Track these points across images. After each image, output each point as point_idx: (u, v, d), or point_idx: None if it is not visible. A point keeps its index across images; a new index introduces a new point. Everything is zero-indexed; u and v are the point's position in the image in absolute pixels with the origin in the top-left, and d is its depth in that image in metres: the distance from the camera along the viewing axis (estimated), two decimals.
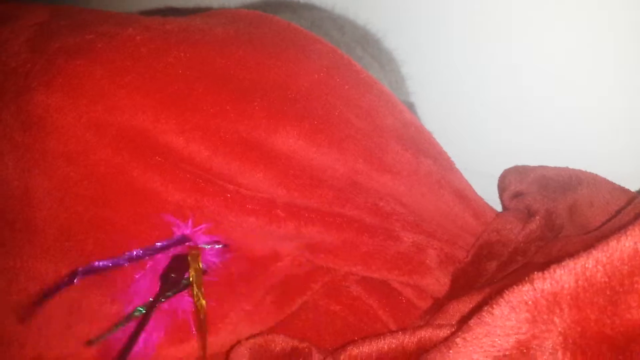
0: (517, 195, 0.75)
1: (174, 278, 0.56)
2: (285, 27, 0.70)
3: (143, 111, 0.58)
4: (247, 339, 0.55)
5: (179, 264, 0.57)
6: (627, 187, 0.71)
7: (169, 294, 0.56)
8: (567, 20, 0.80)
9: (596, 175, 0.72)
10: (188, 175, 0.59)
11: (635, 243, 0.35)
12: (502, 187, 0.79)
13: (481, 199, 0.72)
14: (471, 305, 0.57)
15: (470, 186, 0.72)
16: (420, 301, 0.65)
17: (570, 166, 0.76)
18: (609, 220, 0.60)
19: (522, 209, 0.74)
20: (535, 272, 0.38)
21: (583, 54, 0.80)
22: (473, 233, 0.70)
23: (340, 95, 0.66)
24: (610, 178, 0.72)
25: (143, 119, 0.58)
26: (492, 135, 0.92)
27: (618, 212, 0.60)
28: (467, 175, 0.74)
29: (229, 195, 0.59)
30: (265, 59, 0.65)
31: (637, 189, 0.70)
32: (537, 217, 0.68)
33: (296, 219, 0.61)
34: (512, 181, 0.77)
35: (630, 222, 0.38)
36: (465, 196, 0.70)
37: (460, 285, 0.65)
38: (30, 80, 0.59)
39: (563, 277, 0.36)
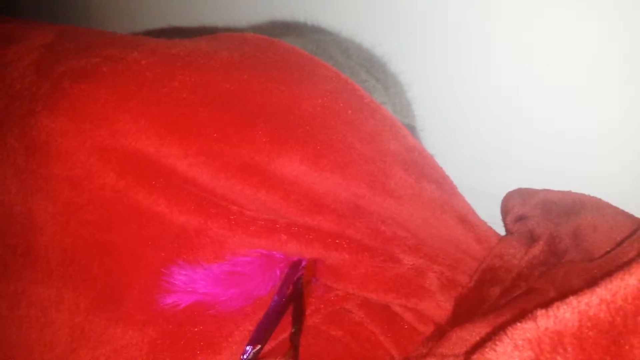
0: (521, 218, 0.75)
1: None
2: (290, 52, 0.71)
3: (147, 136, 0.58)
4: None
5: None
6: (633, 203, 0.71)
7: None
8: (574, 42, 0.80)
9: (599, 199, 0.72)
10: (192, 197, 0.59)
11: (639, 281, 0.35)
12: (505, 210, 0.78)
13: (484, 223, 0.72)
14: (474, 334, 0.57)
15: (473, 211, 0.72)
16: (422, 326, 0.65)
17: (576, 185, 0.75)
18: (613, 249, 0.60)
19: (525, 232, 0.73)
20: (539, 310, 0.37)
21: (592, 78, 0.80)
22: (476, 257, 0.70)
23: (344, 119, 0.66)
24: (616, 197, 0.72)
25: (147, 144, 0.58)
26: (496, 156, 0.92)
27: (622, 240, 0.59)
28: (470, 197, 0.75)
29: (232, 217, 0.59)
30: (269, 83, 0.65)
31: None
32: (541, 242, 0.68)
33: (297, 241, 0.61)
34: (515, 204, 0.77)
35: (634, 259, 0.38)
36: (467, 221, 0.70)
37: (464, 311, 0.65)
38: (35, 104, 0.59)
39: (566, 315, 0.36)
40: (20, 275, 0.59)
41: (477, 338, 0.54)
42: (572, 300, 0.36)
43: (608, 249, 0.64)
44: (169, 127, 0.59)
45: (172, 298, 0.57)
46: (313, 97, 0.66)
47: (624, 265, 0.38)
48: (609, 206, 0.70)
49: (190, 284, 0.58)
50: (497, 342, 0.38)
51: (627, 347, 0.34)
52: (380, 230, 0.65)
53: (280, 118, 0.63)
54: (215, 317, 0.59)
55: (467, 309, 0.64)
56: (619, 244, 0.59)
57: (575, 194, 0.73)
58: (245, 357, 0.55)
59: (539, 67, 0.83)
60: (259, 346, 0.56)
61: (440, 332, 0.62)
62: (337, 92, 0.68)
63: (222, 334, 0.58)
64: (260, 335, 0.57)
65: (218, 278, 0.59)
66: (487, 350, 0.38)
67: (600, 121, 0.80)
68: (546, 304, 0.47)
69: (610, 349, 0.35)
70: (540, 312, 0.37)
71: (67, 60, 0.62)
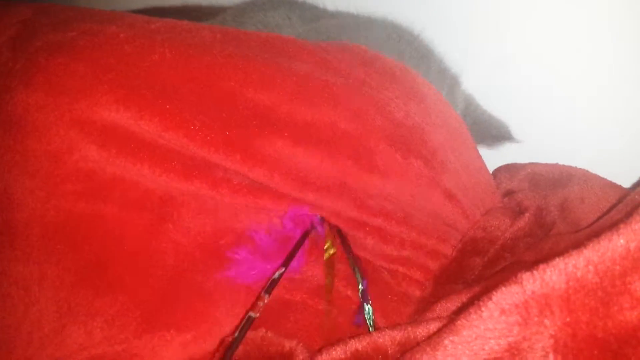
0: (509, 193, 0.75)
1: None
2: (272, 35, 0.70)
3: (126, 107, 0.57)
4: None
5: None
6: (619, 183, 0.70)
7: None
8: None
9: (587, 171, 0.72)
10: (176, 162, 0.58)
11: (627, 242, 0.34)
12: None
13: (476, 198, 0.72)
14: (459, 304, 0.57)
15: (463, 186, 0.71)
16: (411, 290, 0.66)
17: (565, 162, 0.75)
18: (600, 217, 0.59)
19: (514, 206, 0.73)
20: (524, 272, 0.37)
21: (578, 48, 0.80)
22: (463, 231, 0.70)
23: (327, 98, 0.65)
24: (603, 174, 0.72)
25: (127, 116, 0.57)
26: None
27: (610, 209, 0.59)
28: None
29: (215, 175, 0.59)
30: (250, 63, 0.64)
31: (629, 184, 0.70)
32: (527, 214, 0.68)
33: (284, 205, 0.62)
34: (502, 180, 0.76)
35: (622, 220, 0.37)
36: (454, 196, 0.70)
37: (445, 280, 0.65)
38: (11, 80, 0.58)
39: (553, 277, 0.35)
40: None
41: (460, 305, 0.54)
42: (559, 262, 0.36)
43: (596, 220, 0.64)
44: (148, 100, 0.58)
45: (234, 272, 0.60)
46: (295, 76, 0.65)
47: (612, 227, 0.37)
48: (596, 177, 0.70)
49: (252, 262, 0.60)
50: (483, 308, 0.37)
51: (615, 308, 0.34)
52: (368, 205, 0.65)
53: (262, 96, 0.63)
54: (203, 267, 0.60)
55: (447, 278, 0.65)
56: (606, 212, 0.58)
57: (562, 166, 0.73)
58: (274, 277, 0.59)
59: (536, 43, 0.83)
60: (283, 268, 0.59)
61: (425, 305, 0.62)
62: (319, 70, 0.67)
63: (211, 284, 0.59)
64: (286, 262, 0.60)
65: (267, 252, 0.61)
66: (472, 316, 0.38)
67: (597, 92, 0.80)
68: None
69: (598, 310, 0.34)
70: (525, 276, 0.37)
71: (43, 35, 0.61)
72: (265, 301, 0.56)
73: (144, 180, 0.58)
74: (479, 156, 0.77)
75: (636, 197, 0.53)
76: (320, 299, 0.61)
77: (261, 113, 0.62)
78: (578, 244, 0.37)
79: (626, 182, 0.71)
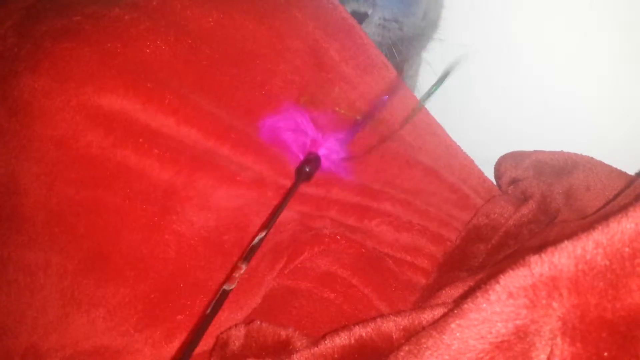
0: (514, 181, 0.75)
1: (307, 171, 0.61)
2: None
3: (134, 93, 0.57)
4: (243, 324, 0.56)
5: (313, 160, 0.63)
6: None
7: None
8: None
9: (592, 158, 0.72)
10: (180, 152, 0.58)
11: (637, 224, 0.34)
12: (498, 175, 0.79)
13: (457, 171, 0.73)
14: (463, 291, 0.57)
15: (447, 163, 0.73)
16: (415, 277, 0.67)
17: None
18: (607, 204, 0.59)
19: (519, 194, 0.73)
20: (532, 255, 0.37)
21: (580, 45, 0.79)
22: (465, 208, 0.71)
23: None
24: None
25: (134, 101, 0.57)
26: (490, 121, 0.92)
27: (616, 195, 0.59)
28: None
29: (219, 170, 0.59)
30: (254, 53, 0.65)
31: (635, 172, 0.70)
32: (531, 201, 0.68)
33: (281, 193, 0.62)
34: (507, 168, 0.76)
35: (631, 203, 0.37)
36: (436, 172, 0.71)
37: (449, 267, 0.66)
38: (17, 65, 0.57)
39: (562, 260, 0.35)
40: (6, 240, 0.58)
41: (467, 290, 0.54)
42: (567, 245, 0.36)
43: (601, 207, 0.64)
44: (156, 86, 0.58)
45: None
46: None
47: (620, 211, 0.37)
48: (601, 165, 0.70)
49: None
50: (490, 291, 0.37)
51: (624, 290, 0.34)
52: (370, 187, 0.66)
53: (274, 87, 0.64)
54: (205, 263, 0.60)
55: (452, 265, 0.65)
56: (613, 198, 0.58)
57: (567, 153, 0.73)
58: (254, 243, 0.55)
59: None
60: (263, 233, 0.56)
61: (430, 293, 0.62)
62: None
63: (214, 282, 0.59)
64: (267, 223, 0.57)
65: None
66: (479, 299, 0.38)
67: (599, 85, 0.80)
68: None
69: (607, 292, 0.34)
70: (533, 259, 0.36)
71: (48, 20, 0.60)
72: (242, 271, 0.53)
73: (148, 171, 0.58)
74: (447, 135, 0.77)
75: None
76: (326, 287, 0.61)
77: (269, 100, 0.62)
78: (586, 228, 0.37)
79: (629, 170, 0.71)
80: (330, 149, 0.64)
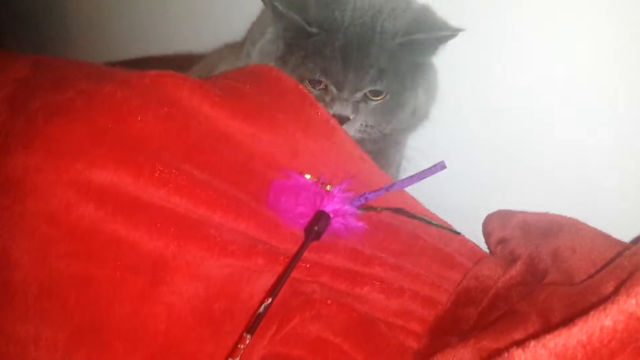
0: (502, 241, 0.76)
1: (317, 230, 0.64)
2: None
3: (125, 168, 0.58)
4: None
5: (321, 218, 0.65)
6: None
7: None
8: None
9: (577, 220, 0.72)
10: (170, 222, 0.59)
11: (615, 323, 0.35)
12: (486, 233, 0.79)
13: (443, 237, 0.75)
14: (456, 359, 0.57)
15: (425, 230, 0.74)
16: (408, 341, 0.67)
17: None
18: (592, 275, 0.60)
19: (507, 254, 0.74)
20: (515, 349, 0.37)
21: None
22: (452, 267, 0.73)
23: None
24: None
25: (125, 176, 0.58)
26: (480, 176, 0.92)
27: (603, 266, 0.60)
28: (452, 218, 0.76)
29: (211, 239, 0.60)
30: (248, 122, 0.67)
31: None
32: (519, 263, 0.69)
33: (274, 265, 0.62)
34: (495, 227, 0.77)
35: (611, 292, 0.38)
36: (418, 235, 0.73)
37: (440, 333, 0.66)
38: (10, 141, 0.59)
39: (544, 356, 0.36)
40: None
41: None
42: (549, 341, 0.36)
43: (588, 271, 0.65)
44: (146, 159, 0.59)
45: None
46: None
47: (602, 300, 0.38)
48: (586, 227, 0.71)
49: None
50: None
51: None
52: (360, 252, 0.67)
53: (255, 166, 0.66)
54: (196, 335, 0.60)
55: (443, 330, 0.66)
56: (598, 270, 0.59)
57: (552, 215, 0.74)
58: (259, 311, 0.57)
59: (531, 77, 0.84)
60: (269, 300, 0.58)
61: (422, 358, 0.62)
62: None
63: (204, 354, 0.60)
64: (272, 290, 0.59)
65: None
66: None
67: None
68: (526, 332, 0.47)
69: None
70: (517, 353, 0.37)
71: (40, 96, 0.62)
72: (247, 342, 0.55)
73: (139, 243, 0.58)
74: None
75: (625, 262, 0.54)
76: (318, 354, 0.62)
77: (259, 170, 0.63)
78: (570, 307, 0.38)
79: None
80: (338, 207, 0.66)
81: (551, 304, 0.61)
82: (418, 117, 0.85)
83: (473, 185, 0.91)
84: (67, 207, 0.57)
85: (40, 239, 0.57)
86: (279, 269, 0.63)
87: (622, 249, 0.63)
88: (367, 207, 0.70)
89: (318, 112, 0.74)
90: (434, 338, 0.65)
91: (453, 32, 0.77)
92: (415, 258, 0.72)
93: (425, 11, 0.82)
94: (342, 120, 0.77)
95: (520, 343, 0.39)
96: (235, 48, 0.96)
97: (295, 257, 0.61)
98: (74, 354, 0.57)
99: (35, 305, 0.57)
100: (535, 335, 0.39)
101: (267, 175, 0.67)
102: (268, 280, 0.63)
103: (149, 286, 0.59)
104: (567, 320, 0.38)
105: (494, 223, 0.77)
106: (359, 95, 0.77)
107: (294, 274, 0.64)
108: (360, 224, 0.67)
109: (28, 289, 0.57)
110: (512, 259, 0.72)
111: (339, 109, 0.77)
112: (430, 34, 0.78)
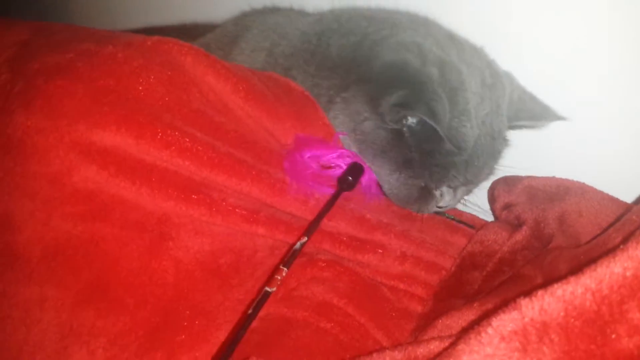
0: (507, 206, 0.75)
1: (350, 181, 0.66)
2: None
3: (127, 129, 0.57)
4: None
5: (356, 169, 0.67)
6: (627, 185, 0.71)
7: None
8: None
9: (584, 184, 0.72)
10: (173, 185, 0.59)
11: (624, 269, 0.35)
12: (491, 199, 0.79)
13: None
14: (460, 321, 0.57)
15: None
16: (412, 305, 0.67)
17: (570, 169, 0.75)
18: (599, 234, 0.59)
19: (512, 219, 0.73)
20: (523, 299, 0.37)
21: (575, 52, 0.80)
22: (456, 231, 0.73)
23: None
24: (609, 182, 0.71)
25: (126, 137, 0.57)
26: None
27: (608, 226, 0.59)
28: None
29: (214, 205, 0.60)
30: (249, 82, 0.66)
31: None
32: (524, 228, 0.69)
33: (275, 232, 0.63)
34: (500, 193, 0.77)
35: (619, 245, 0.37)
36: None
37: (444, 296, 0.66)
38: (10, 102, 0.58)
39: (551, 304, 0.36)
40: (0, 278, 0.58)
41: (464, 324, 0.54)
42: (557, 289, 0.36)
43: (594, 234, 0.64)
44: (148, 121, 0.58)
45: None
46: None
47: (610, 252, 0.37)
48: (593, 190, 0.70)
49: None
50: (482, 333, 0.37)
51: (613, 336, 0.34)
52: (366, 218, 0.67)
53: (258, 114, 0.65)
54: (203, 286, 0.60)
55: (448, 293, 0.66)
56: (605, 230, 0.58)
57: (559, 179, 0.73)
58: (295, 247, 0.59)
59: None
60: (305, 238, 0.60)
61: (426, 322, 0.62)
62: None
63: (212, 304, 0.60)
64: (308, 228, 0.61)
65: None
66: (472, 341, 0.38)
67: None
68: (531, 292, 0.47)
69: (596, 338, 0.34)
70: (524, 302, 0.37)
71: (41, 57, 0.61)
72: (284, 274, 0.56)
73: (143, 202, 0.58)
74: None
75: (634, 217, 0.53)
76: (322, 316, 0.61)
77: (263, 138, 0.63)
78: (576, 267, 0.38)
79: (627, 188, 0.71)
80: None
81: (557, 265, 0.60)
82: None
83: None
84: (70, 169, 0.57)
85: (44, 200, 0.57)
86: (280, 237, 0.63)
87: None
88: None
89: (319, 114, 0.73)
90: (438, 301, 0.65)
91: (558, 119, 0.78)
92: (421, 223, 0.72)
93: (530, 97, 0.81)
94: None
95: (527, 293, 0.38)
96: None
97: (329, 203, 0.63)
98: (82, 312, 0.57)
99: (40, 268, 0.57)
100: None
101: (272, 145, 0.66)
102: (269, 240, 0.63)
103: (156, 242, 0.59)
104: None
105: (500, 188, 0.77)
106: None
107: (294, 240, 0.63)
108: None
109: (31, 252, 0.57)
110: (517, 224, 0.72)
111: (447, 202, 0.75)
112: (534, 122, 0.80)
